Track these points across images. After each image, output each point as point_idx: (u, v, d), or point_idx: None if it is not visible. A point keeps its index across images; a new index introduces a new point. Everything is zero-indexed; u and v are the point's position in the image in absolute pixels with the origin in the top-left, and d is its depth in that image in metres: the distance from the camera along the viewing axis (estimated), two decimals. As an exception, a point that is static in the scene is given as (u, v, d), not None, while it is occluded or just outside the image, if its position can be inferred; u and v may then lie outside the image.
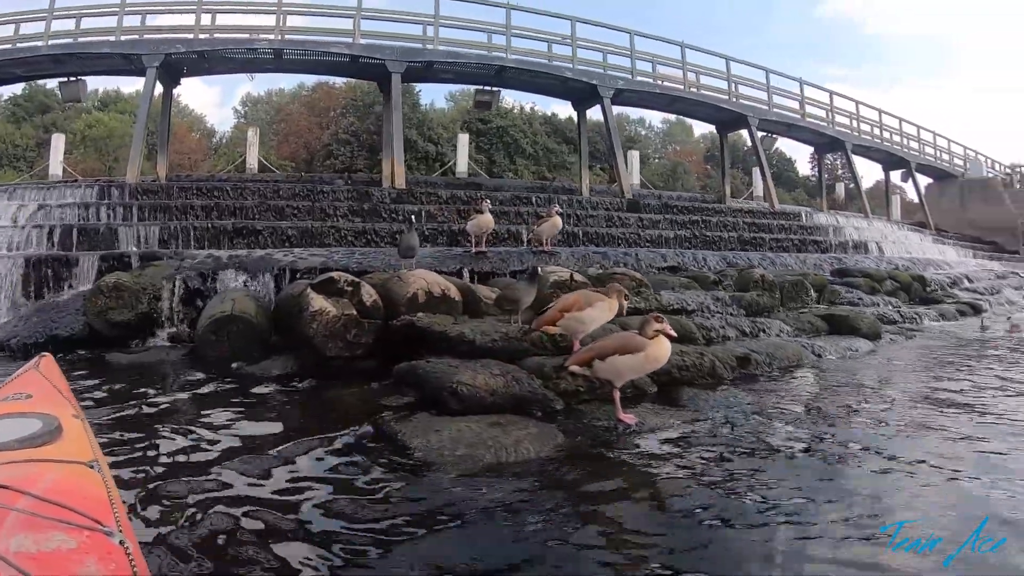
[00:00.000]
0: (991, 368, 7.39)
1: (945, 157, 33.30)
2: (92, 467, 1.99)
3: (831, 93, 26.45)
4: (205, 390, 5.55)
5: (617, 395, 4.56)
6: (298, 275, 8.58)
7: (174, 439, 4.07)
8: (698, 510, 3.15)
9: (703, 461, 3.89)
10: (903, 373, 7.11)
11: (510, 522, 2.99)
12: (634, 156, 29.15)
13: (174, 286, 8.14)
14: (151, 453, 3.77)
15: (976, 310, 14.01)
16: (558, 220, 10.45)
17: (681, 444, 4.24)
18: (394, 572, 2.56)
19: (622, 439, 4.28)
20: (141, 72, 15.71)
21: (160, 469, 3.53)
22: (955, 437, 4.40)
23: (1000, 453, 4.04)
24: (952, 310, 13.26)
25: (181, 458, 3.73)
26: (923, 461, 3.86)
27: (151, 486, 3.28)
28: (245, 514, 2.98)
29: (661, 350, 4.40)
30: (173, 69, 16.69)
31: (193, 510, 3.01)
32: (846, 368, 7.24)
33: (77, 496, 1.73)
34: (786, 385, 6.22)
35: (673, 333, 4.59)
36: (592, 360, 4.45)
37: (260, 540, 2.75)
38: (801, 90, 24.81)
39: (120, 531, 1.64)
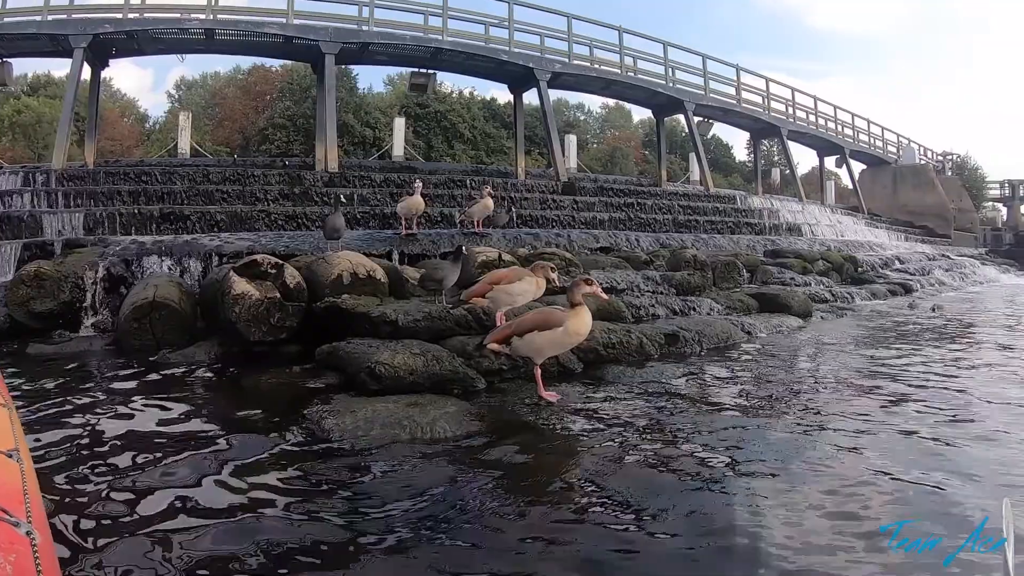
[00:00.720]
0: (915, 343, 7.58)
1: (879, 144, 34.13)
2: (10, 456, 1.90)
3: (767, 80, 26.87)
4: (126, 380, 5.37)
5: (538, 372, 4.52)
6: (224, 259, 8.37)
7: (91, 430, 3.91)
8: (617, 486, 3.12)
9: (624, 437, 3.86)
10: (829, 348, 7.26)
11: (420, 499, 2.93)
12: (572, 140, 29.23)
13: (97, 274, 7.82)
14: (66, 446, 3.63)
15: (907, 290, 14.47)
16: (489, 201, 10.41)
17: (603, 420, 4.21)
18: (306, 553, 2.51)
19: (543, 416, 4.23)
20: (68, 53, 15.22)
21: (76, 462, 3.39)
22: (869, 408, 4.49)
23: (908, 416, 4.20)
24: (883, 290, 13.60)
25: (99, 449, 3.60)
26: (838, 429, 3.98)
27: (64, 478, 3.16)
28: (159, 504, 2.87)
29: (581, 324, 4.35)
30: (102, 50, 16.21)
31: (108, 502, 2.89)
32: (775, 344, 7.35)
33: None
34: (714, 361, 6.26)
35: (604, 296, 4.60)
36: (511, 337, 4.40)
37: (172, 529, 2.64)
38: (738, 76, 25.14)
39: (30, 522, 1.56)
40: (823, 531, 2.63)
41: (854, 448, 3.63)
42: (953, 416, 4.31)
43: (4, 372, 5.30)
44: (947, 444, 3.67)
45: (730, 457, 3.50)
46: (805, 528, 2.65)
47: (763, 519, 2.75)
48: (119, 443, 3.68)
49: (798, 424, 4.14)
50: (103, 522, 2.69)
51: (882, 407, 4.58)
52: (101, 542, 2.52)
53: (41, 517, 1.65)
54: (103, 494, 2.96)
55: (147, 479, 3.15)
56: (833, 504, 2.87)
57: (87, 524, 2.67)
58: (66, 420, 4.12)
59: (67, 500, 2.89)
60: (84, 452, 3.54)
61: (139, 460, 3.41)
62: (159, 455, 3.48)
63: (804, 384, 5.40)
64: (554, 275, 5.32)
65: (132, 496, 2.95)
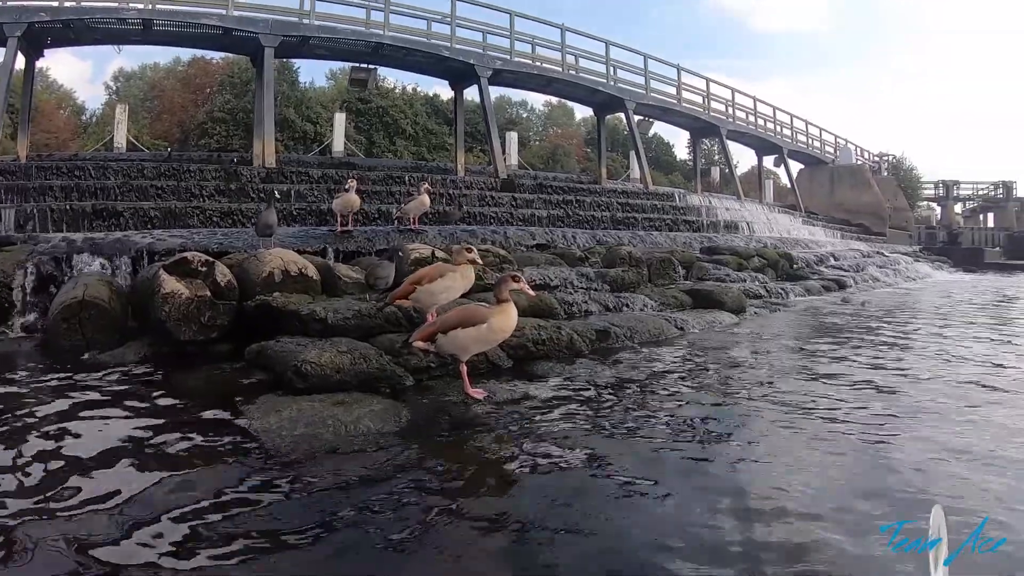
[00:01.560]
0: (842, 336, 7.86)
1: (816, 145, 35.07)
2: None
3: (708, 80, 27.38)
4: (52, 382, 5.25)
5: (464, 369, 4.57)
6: (156, 257, 8.21)
7: (13, 433, 3.86)
8: (542, 482, 3.21)
9: (550, 432, 3.95)
10: (758, 342, 7.45)
11: (340, 498, 2.97)
12: (512, 137, 29.40)
13: (26, 273, 7.63)
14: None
15: (840, 286, 14.83)
16: (426, 198, 10.43)
17: (529, 416, 4.29)
18: (225, 556, 2.53)
19: (469, 413, 4.31)
20: (2, 42, 14.75)
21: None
22: (792, 397, 4.66)
23: (831, 408, 4.35)
24: (817, 286, 13.92)
25: (18, 458, 3.55)
26: (755, 416, 4.17)
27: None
28: (78, 512, 2.85)
29: (506, 321, 4.42)
30: (36, 39, 15.78)
31: (25, 513, 2.87)
32: (706, 339, 7.51)
33: None
34: (643, 356, 6.38)
35: (531, 293, 4.70)
36: (435, 335, 4.45)
37: (89, 531, 2.65)
38: (679, 76, 25.55)
39: None
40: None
41: (766, 434, 3.82)
42: (875, 411, 4.50)
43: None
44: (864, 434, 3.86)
45: (641, 446, 3.67)
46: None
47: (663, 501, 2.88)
48: (43, 445, 3.64)
49: (716, 413, 4.34)
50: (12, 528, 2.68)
51: (804, 394, 4.84)
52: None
53: None
54: (15, 496, 2.96)
55: (67, 479, 3.15)
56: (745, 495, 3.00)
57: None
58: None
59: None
60: (4, 454, 3.50)
61: (63, 459, 3.39)
62: (81, 455, 3.46)
63: (727, 376, 5.57)
64: (475, 255, 5.33)
65: (51, 496, 2.95)
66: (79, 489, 3.05)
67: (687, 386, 5.15)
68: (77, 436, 3.81)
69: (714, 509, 2.86)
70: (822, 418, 4.22)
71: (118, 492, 3.02)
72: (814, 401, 4.64)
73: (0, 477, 3.19)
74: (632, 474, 3.28)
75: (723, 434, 3.91)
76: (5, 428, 3.92)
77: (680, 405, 4.57)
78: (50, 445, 3.65)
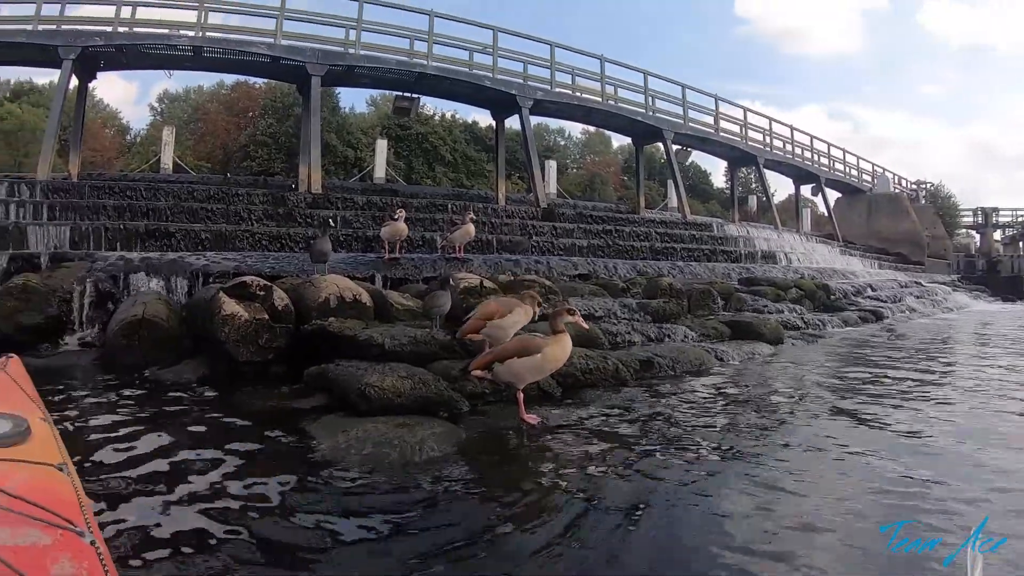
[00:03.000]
0: (880, 368, 7.85)
1: (854, 173, 34.82)
2: (61, 470, 2.00)
3: (745, 110, 27.44)
4: (117, 396, 5.45)
5: (520, 396, 4.74)
6: (211, 279, 8.52)
7: (89, 445, 4.04)
8: (601, 501, 3.35)
9: (602, 456, 4.10)
10: (796, 373, 7.51)
11: (412, 514, 3.14)
12: (552, 166, 29.62)
13: (85, 289, 7.95)
14: (75, 460, 3.75)
15: (878, 317, 14.66)
16: (471, 227, 10.63)
17: (581, 441, 4.44)
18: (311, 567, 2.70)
19: (525, 437, 4.47)
20: (57, 64, 15.36)
21: (86, 474, 3.54)
22: (830, 429, 4.73)
23: (869, 436, 4.39)
24: (854, 317, 13.79)
25: (105, 464, 3.73)
26: (812, 448, 4.20)
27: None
28: (165, 521, 3.03)
29: (560, 351, 4.60)
30: (90, 63, 16.34)
31: (120, 516, 3.05)
32: (746, 371, 7.59)
33: (48, 496, 1.75)
34: (686, 386, 6.49)
35: (585, 325, 4.85)
36: (492, 363, 4.63)
37: (179, 544, 2.82)
38: (716, 106, 25.62)
39: (91, 532, 1.67)
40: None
41: (805, 470, 3.88)
42: (912, 433, 4.58)
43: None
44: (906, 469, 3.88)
45: (691, 470, 3.81)
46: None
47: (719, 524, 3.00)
48: (123, 458, 3.83)
49: (757, 443, 4.45)
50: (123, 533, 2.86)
51: (846, 427, 4.89)
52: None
53: (96, 529, 1.76)
54: (116, 506, 3.14)
55: (153, 493, 3.33)
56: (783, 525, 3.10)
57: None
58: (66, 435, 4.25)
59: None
60: (89, 466, 3.67)
61: (144, 474, 3.56)
62: (164, 470, 3.65)
63: (767, 407, 5.65)
64: (538, 307, 5.65)
65: (144, 511, 3.12)
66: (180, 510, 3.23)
67: (729, 418, 5.23)
68: (158, 449, 4.01)
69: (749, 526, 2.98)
70: (850, 452, 4.26)
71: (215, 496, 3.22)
72: (839, 438, 4.65)
73: (104, 480, 3.36)
74: (680, 498, 3.41)
75: (766, 464, 3.97)
76: (95, 438, 4.12)
77: (724, 436, 4.65)
78: (132, 456, 3.86)
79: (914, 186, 40.35)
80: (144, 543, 2.79)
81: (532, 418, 4.75)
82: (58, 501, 1.76)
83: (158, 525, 2.98)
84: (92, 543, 1.63)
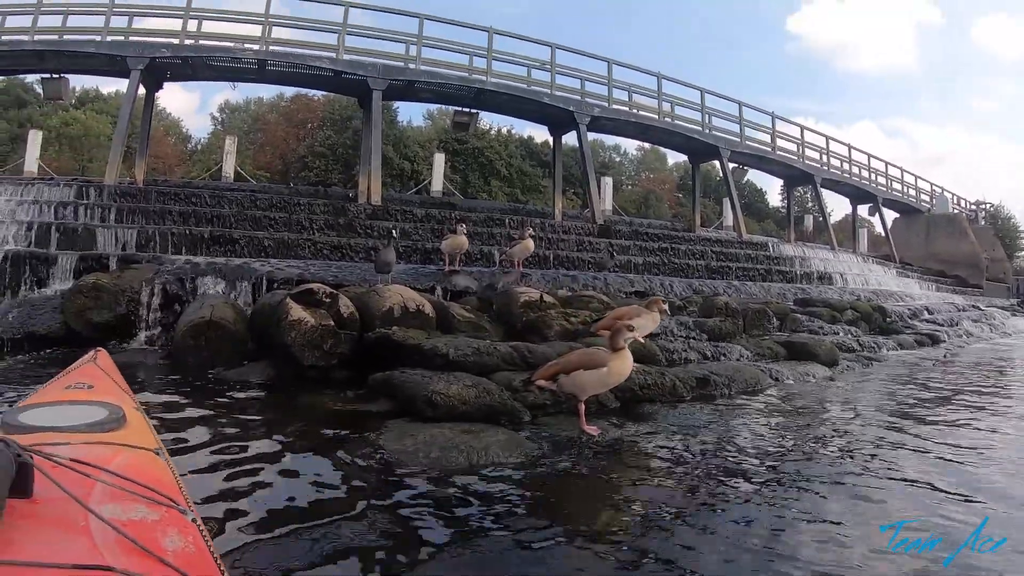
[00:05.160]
0: (936, 393, 7.78)
1: (911, 193, 34.24)
2: (158, 454, 2.12)
3: (802, 128, 27.16)
4: (184, 394, 5.65)
5: (581, 408, 4.84)
6: (276, 285, 8.73)
7: (173, 441, 4.19)
8: (660, 512, 3.43)
9: (662, 468, 4.20)
10: (852, 396, 7.44)
11: (479, 517, 3.24)
12: (607, 182, 29.61)
13: (153, 289, 8.18)
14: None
15: (934, 340, 14.36)
16: (530, 243, 10.74)
17: (637, 455, 4.53)
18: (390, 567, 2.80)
19: (585, 448, 4.55)
20: (125, 74, 15.88)
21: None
22: (887, 455, 4.72)
23: (927, 462, 4.38)
24: (910, 340, 13.54)
25: (184, 460, 3.85)
26: (855, 474, 4.20)
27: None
28: (243, 509, 3.18)
29: (623, 365, 4.69)
30: (157, 73, 16.89)
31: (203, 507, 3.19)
32: (801, 392, 7.54)
33: (149, 477, 1.85)
34: (742, 405, 6.51)
35: (642, 340, 4.95)
36: (557, 375, 4.73)
37: (262, 531, 2.96)
38: (773, 124, 25.43)
39: (192, 511, 1.78)
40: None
41: (865, 497, 3.87)
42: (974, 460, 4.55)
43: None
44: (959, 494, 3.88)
45: (751, 493, 3.81)
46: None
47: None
48: (197, 450, 4.02)
49: (816, 466, 4.44)
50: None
51: (905, 454, 4.84)
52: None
53: (193, 507, 1.86)
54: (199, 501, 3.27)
55: (228, 483, 3.50)
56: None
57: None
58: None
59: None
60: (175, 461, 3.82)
61: (222, 471, 3.71)
62: (237, 464, 3.80)
63: (823, 430, 5.64)
64: (665, 305, 6.30)
65: (226, 505, 3.26)
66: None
67: (784, 438, 5.24)
68: (230, 446, 4.16)
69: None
70: (906, 480, 4.22)
71: (293, 499, 3.36)
72: (899, 463, 4.61)
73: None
74: (733, 515, 3.45)
75: (825, 492, 3.96)
76: (174, 435, 4.25)
77: (780, 456, 4.67)
78: (206, 448, 4.05)
79: (973, 207, 39.60)
80: (228, 527, 2.95)
81: (593, 429, 4.83)
82: (159, 482, 1.87)
83: (239, 513, 3.13)
84: (194, 520, 1.74)
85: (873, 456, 4.72)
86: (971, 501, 3.72)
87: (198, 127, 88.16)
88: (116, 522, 1.53)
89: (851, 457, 4.70)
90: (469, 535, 3.04)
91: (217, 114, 55.31)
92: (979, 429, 5.86)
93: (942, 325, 16.86)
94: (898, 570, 2.73)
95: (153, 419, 4.56)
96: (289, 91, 44.07)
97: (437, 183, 26.69)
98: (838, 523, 3.31)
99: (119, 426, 2.19)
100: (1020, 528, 3.32)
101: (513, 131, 46.82)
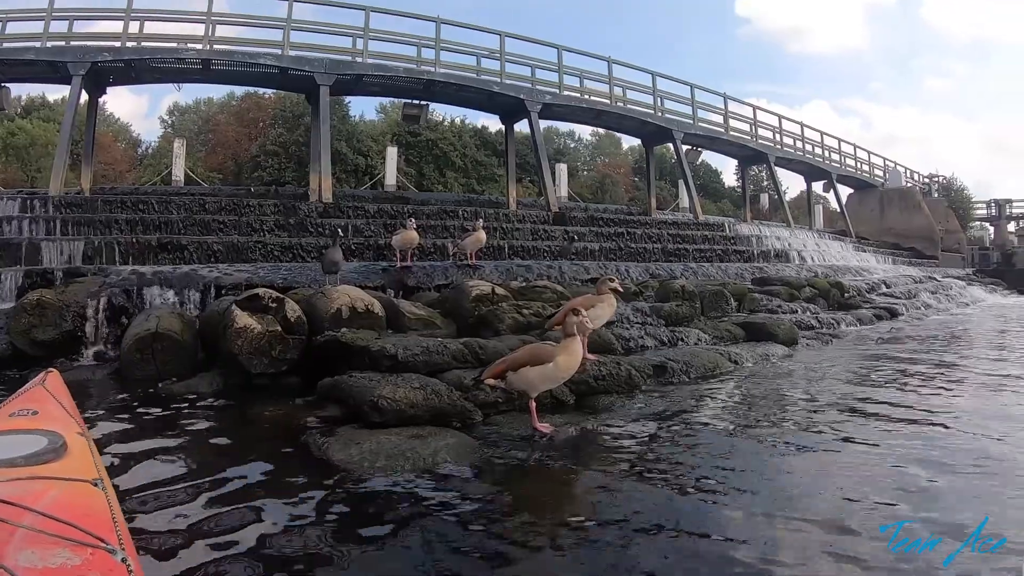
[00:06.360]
0: (894, 367, 7.86)
1: (865, 168, 34.67)
2: (96, 485, 2.04)
3: (754, 108, 27.43)
4: (131, 410, 5.49)
5: (533, 405, 4.74)
6: (224, 291, 8.56)
7: (111, 462, 4.06)
8: (616, 510, 3.35)
9: (618, 462, 4.13)
10: (811, 375, 7.47)
11: (425, 527, 3.14)
12: (562, 169, 29.59)
13: (99, 303, 7.96)
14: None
15: (892, 314, 14.61)
16: (482, 234, 10.67)
17: (594, 448, 4.48)
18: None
19: (536, 446, 4.46)
20: (67, 80, 15.47)
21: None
22: (845, 428, 4.71)
23: (881, 433, 4.38)
24: (869, 315, 13.71)
25: (118, 478, 3.75)
26: (812, 448, 4.18)
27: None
28: (186, 532, 3.06)
29: (571, 360, 4.59)
30: (99, 78, 16.47)
31: (141, 527, 3.06)
32: (760, 373, 7.55)
33: (81, 514, 1.78)
34: (699, 390, 6.47)
35: (590, 326, 4.87)
36: (505, 372, 4.63)
37: (202, 555, 2.85)
38: (725, 105, 25.58)
39: (122, 549, 1.69)
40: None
41: (822, 467, 3.90)
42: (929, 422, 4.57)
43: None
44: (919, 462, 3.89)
45: (706, 474, 3.81)
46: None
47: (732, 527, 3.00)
48: (141, 472, 3.87)
49: (774, 444, 4.48)
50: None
51: (858, 425, 4.93)
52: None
53: (129, 544, 1.79)
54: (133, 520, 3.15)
55: (172, 505, 3.36)
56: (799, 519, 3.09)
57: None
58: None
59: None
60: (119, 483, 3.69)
61: (164, 494, 3.56)
62: (179, 482, 3.68)
63: (783, 409, 5.65)
64: (616, 283, 6.27)
65: (159, 524, 3.13)
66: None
67: (739, 421, 5.23)
68: (174, 462, 4.03)
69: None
70: (860, 449, 4.25)
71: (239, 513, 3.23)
72: (855, 436, 4.66)
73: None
74: (693, 508, 3.40)
75: (777, 469, 3.97)
76: (110, 452, 4.11)
77: (734, 441, 4.65)
78: (150, 469, 3.90)
79: (926, 179, 40.15)
80: (168, 554, 2.83)
81: (545, 427, 4.74)
82: (91, 518, 1.79)
83: (180, 536, 3.01)
84: (123, 560, 1.66)
85: (830, 428, 4.77)
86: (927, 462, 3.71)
87: (148, 131, 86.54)
88: (30, 572, 1.47)
89: (810, 431, 4.78)
90: (414, 547, 2.94)
91: (167, 117, 54.36)
92: (932, 402, 5.89)
93: (900, 298, 17.09)
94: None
95: (97, 441, 4.47)
96: (239, 90, 43.51)
97: (391, 177, 26.48)
98: (784, 507, 3.27)
99: (57, 457, 2.14)
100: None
101: (467, 121, 46.67)
